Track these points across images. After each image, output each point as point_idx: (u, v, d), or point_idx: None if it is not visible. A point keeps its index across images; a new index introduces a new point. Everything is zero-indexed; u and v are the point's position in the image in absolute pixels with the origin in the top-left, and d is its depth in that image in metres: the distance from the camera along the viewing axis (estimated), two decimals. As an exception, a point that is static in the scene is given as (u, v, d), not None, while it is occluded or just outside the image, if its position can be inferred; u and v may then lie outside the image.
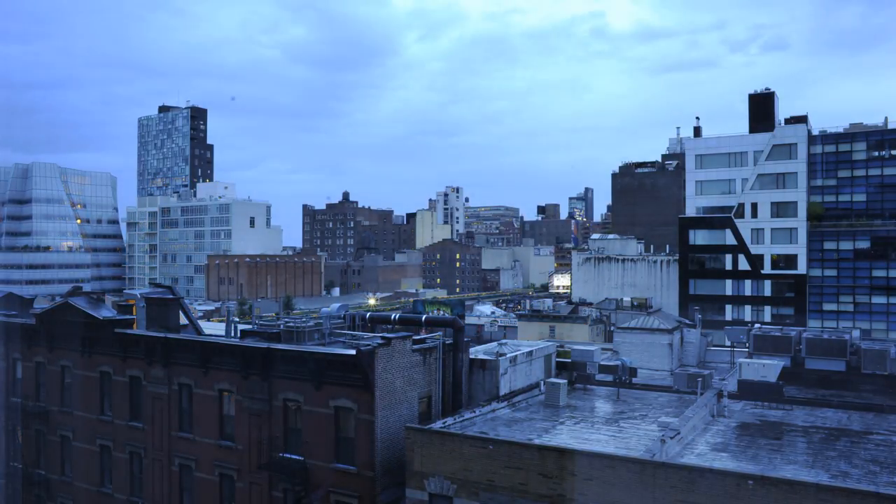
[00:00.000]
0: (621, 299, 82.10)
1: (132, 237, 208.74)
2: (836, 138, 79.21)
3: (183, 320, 34.87)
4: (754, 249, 79.90)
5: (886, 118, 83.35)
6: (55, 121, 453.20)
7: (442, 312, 35.17)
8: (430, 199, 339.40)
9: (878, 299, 74.86)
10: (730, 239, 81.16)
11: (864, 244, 75.73)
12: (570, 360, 35.81)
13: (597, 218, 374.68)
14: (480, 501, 22.36)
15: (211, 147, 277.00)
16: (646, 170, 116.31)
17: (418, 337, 28.95)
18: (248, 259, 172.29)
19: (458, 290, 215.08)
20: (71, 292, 37.35)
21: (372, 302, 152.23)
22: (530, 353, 33.49)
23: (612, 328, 57.19)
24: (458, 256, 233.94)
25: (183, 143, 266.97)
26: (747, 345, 38.67)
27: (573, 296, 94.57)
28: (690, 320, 53.01)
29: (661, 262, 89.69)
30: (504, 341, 40.44)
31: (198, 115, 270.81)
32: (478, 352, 32.88)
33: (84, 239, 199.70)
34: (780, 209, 79.33)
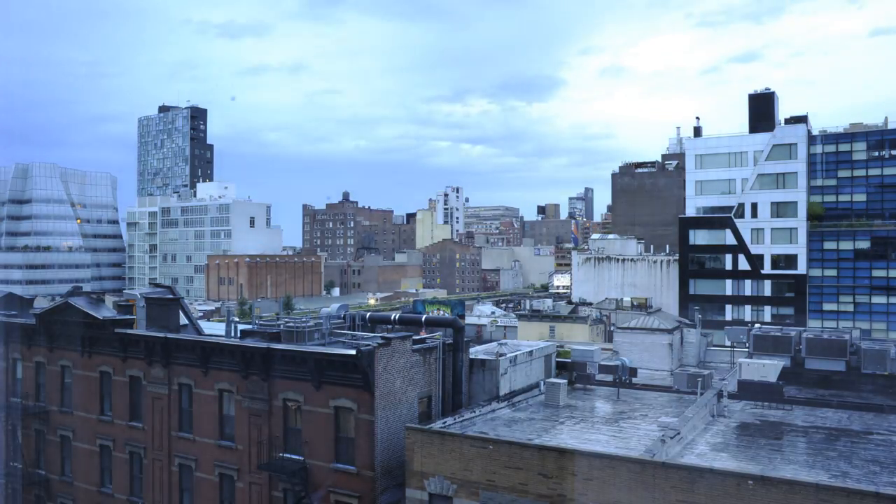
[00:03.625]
0: (621, 299, 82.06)
1: (132, 237, 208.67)
2: (836, 138, 79.27)
3: (183, 320, 34.85)
4: (754, 249, 79.92)
5: (886, 118, 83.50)
6: (55, 119, 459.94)
7: (442, 312, 35.20)
8: (430, 199, 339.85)
9: (878, 299, 74.87)
10: (730, 239, 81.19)
11: (864, 244, 75.76)
12: (570, 360, 35.84)
13: (597, 218, 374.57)
14: (480, 501, 22.37)
15: (211, 147, 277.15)
16: (646, 170, 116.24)
17: (418, 337, 28.95)
18: (248, 259, 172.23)
19: (458, 290, 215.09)
20: (71, 292, 37.34)
21: (372, 302, 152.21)
22: (530, 353, 33.50)
23: (612, 328, 57.17)
24: (458, 256, 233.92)
25: (183, 143, 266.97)
26: (747, 345, 38.67)
27: (573, 296, 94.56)
28: (690, 320, 52.98)
29: (661, 262, 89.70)
30: (504, 341, 40.44)
31: (198, 115, 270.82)
32: (478, 352, 32.86)
33: (84, 239, 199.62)
34: (780, 209, 79.37)
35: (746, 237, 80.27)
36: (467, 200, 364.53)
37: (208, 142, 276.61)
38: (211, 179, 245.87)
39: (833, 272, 77.21)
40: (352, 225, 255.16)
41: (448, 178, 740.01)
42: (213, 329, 38.01)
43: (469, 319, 69.16)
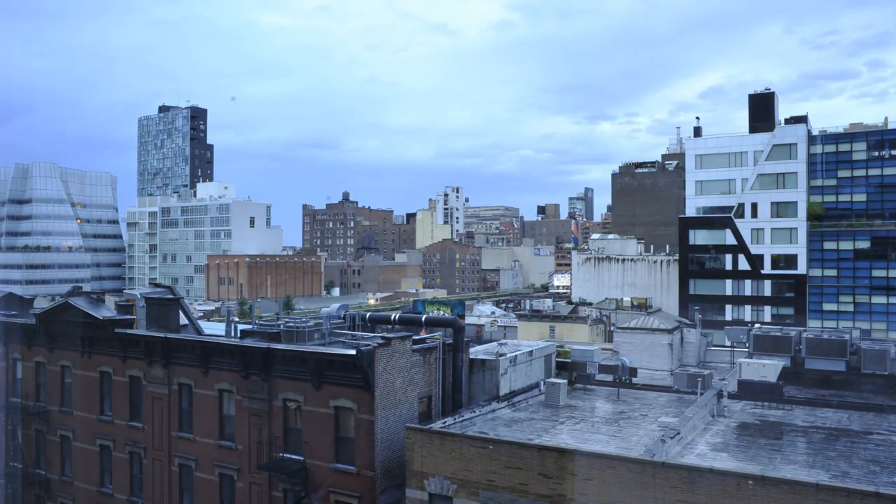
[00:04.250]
0: (621, 299, 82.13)
1: (132, 237, 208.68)
2: (836, 138, 79.25)
3: (183, 320, 34.84)
4: (754, 249, 79.91)
5: (886, 118, 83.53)
6: (55, 120, 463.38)
7: (442, 312, 35.17)
8: (430, 199, 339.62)
9: (878, 299, 74.87)
10: (730, 239, 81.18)
11: (864, 244, 75.75)
12: (570, 360, 35.81)
13: (597, 218, 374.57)
14: (480, 501, 22.37)
15: (211, 147, 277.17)
16: (646, 170, 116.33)
17: (418, 337, 28.95)
18: (248, 259, 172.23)
19: (458, 290, 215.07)
20: (71, 292, 37.34)
21: (372, 302, 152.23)
22: (530, 353, 33.49)
23: (612, 328, 57.18)
24: (458, 256, 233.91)
25: (183, 143, 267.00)
26: (747, 345, 38.67)
27: (573, 296, 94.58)
28: (690, 320, 53.00)
29: (661, 262, 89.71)
30: (504, 341, 40.41)
31: (198, 115, 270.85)
32: (478, 352, 32.84)
33: (84, 239, 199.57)
34: (780, 209, 79.35)
35: (746, 237, 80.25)
36: (467, 200, 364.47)
37: (208, 142, 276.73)
38: (211, 179, 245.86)
39: (833, 272, 77.19)
40: (352, 225, 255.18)
41: (505, 182, 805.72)
42: (213, 329, 38.02)
43: (469, 319, 69.09)
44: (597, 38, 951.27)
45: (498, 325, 78.22)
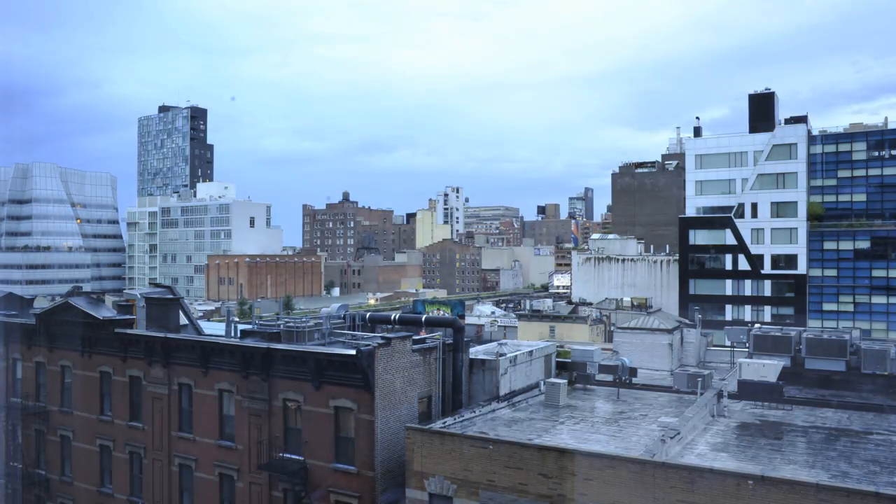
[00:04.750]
0: (621, 299, 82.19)
1: (132, 237, 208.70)
2: (836, 138, 79.32)
3: (183, 320, 34.83)
4: (754, 249, 79.94)
5: (886, 118, 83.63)
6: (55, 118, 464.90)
7: (442, 312, 35.16)
8: (430, 199, 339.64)
9: (878, 299, 74.90)
10: (730, 239, 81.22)
11: (864, 244, 75.79)
12: (570, 360, 35.80)
13: (597, 218, 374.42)
14: (480, 501, 22.37)
15: (211, 147, 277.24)
16: (646, 170, 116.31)
17: (418, 337, 28.94)
18: (248, 259, 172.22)
19: (458, 290, 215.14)
20: (71, 292, 37.35)
21: (372, 302, 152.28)
22: (530, 353, 33.48)
23: (612, 328, 57.19)
24: (458, 256, 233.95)
25: (183, 143, 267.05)
26: (747, 345, 38.66)
27: (573, 296, 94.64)
28: (690, 320, 53.00)
29: (661, 262, 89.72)
30: (504, 341, 40.40)
31: (198, 115, 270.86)
32: (478, 352, 32.83)
33: (84, 239, 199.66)
34: (780, 209, 79.39)
35: (746, 237, 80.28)
36: (467, 200, 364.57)
37: (209, 142, 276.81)
38: (211, 179, 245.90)
39: (833, 272, 77.23)
40: (352, 225, 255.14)
41: (548, 186, 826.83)
42: (213, 329, 37.99)
43: (469, 319, 69.04)
44: (703, 58, 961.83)
45: (498, 325, 78.25)
